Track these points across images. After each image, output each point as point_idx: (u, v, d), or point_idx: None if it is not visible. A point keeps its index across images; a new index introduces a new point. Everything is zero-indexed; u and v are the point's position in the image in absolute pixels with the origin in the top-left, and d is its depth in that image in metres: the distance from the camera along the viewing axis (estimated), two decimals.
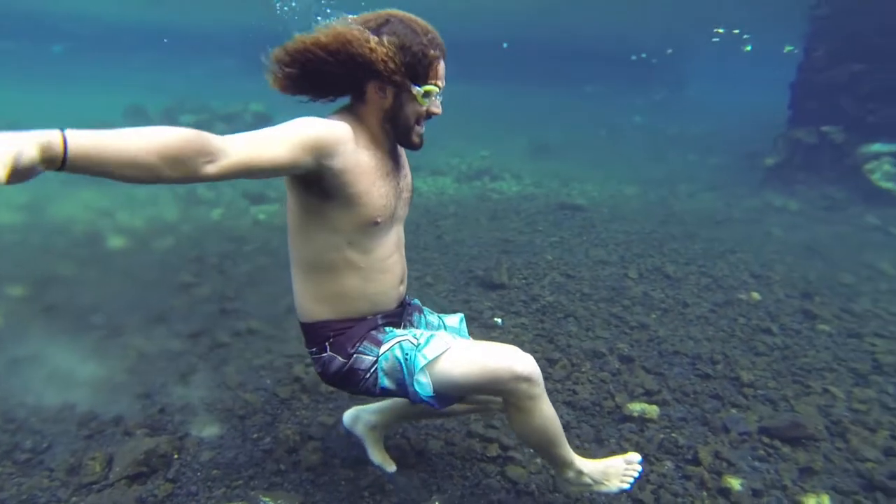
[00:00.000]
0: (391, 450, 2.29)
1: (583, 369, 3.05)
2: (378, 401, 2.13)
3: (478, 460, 2.25)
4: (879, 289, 4.71)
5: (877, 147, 7.48)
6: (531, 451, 2.23)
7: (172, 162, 1.11)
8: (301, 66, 1.44)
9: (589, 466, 1.81)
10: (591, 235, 5.96)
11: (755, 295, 4.36)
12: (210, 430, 2.45)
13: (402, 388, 1.58)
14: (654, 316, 3.88)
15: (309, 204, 1.51)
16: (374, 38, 1.40)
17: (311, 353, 1.69)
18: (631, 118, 16.42)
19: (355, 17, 1.47)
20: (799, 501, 2.11)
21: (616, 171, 10.14)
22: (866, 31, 8.05)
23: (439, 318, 1.97)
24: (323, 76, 1.46)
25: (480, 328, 3.55)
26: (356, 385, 1.63)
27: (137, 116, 11.55)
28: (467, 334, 1.98)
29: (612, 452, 2.31)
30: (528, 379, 1.53)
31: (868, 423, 2.68)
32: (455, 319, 1.99)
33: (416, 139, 1.57)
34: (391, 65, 1.41)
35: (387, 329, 1.68)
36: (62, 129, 1.00)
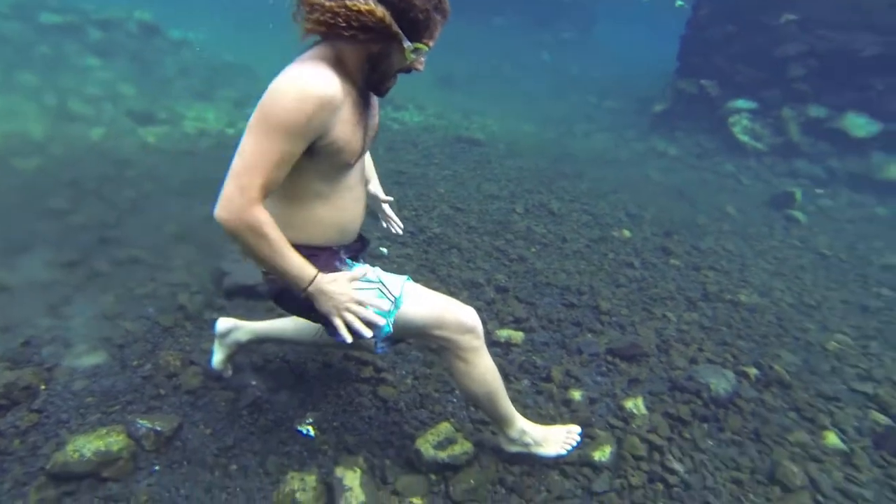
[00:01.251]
0: (273, 373, 2.42)
1: (459, 298, 3.29)
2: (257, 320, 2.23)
3: (352, 381, 2.44)
4: (723, 229, 5.40)
5: (739, 103, 8.26)
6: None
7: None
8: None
9: (531, 427, 1.99)
10: (485, 170, 6.18)
11: (626, 232, 4.83)
12: (85, 361, 2.43)
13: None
14: (533, 250, 4.21)
15: None
16: (363, 4, 1.35)
17: (269, 275, 1.69)
18: (539, 55, 16.58)
19: None
20: (621, 405, 2.53)
21: (518, 108, 10.36)
22: None
23: None
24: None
25: (367, 257, 3.68)
26: (310, 311, 1.64)
27: None
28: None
29: None
30: (471, 330, 1.71)
31: (686, 340, 3.21)
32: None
33: (384, 89, 1.57)
34: (382, 24, 1.37)
35: (349, 262, 1.73)
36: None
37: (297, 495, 1.78)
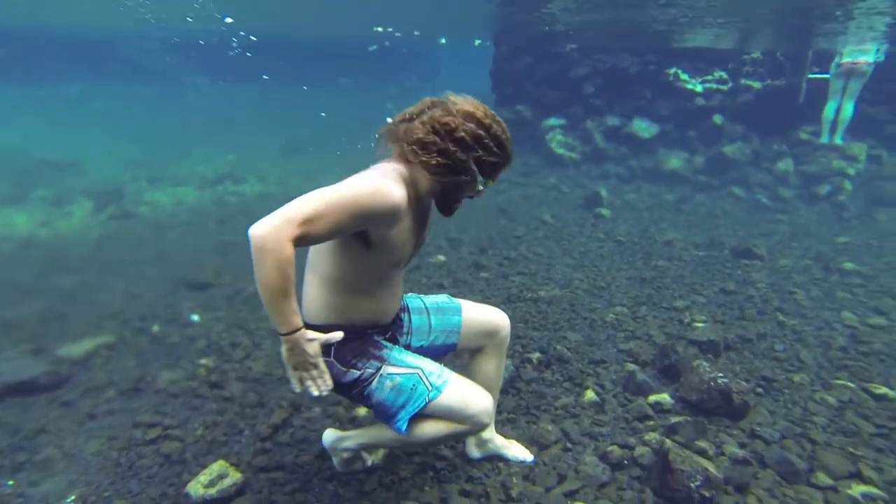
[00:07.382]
0: (39, 464, 2.38)
1: (262, 347, 3.45)
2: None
3: (136, 446, 2.47)
4: (537, 235, 6.00)
5: (551, 121, 9.31)
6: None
7: None
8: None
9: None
10: None
11: (440, 257, 5.22)
12: None
13: (387, 411, 1.82)
14: None
15: (348, 244, 1.67)
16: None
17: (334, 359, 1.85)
18: (384, 106, 17.40)
19: (455, 98, 1.69)
20: None
21: (363, 162, 10.76)
22: (531, 34, 9.90)
23: (421, 299, 2.19)
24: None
25: (179, 328, 3.72)
26: (346, 392, 1.84)
27: None
28: (457, 304, 2.23)
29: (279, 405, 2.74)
30: (488, 419, 1.88)
31: None
32: (440, 298, 2.24)
33: (451, 211, 1.80)
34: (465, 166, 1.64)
35: (384, 344, 1.89)
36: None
37: None
